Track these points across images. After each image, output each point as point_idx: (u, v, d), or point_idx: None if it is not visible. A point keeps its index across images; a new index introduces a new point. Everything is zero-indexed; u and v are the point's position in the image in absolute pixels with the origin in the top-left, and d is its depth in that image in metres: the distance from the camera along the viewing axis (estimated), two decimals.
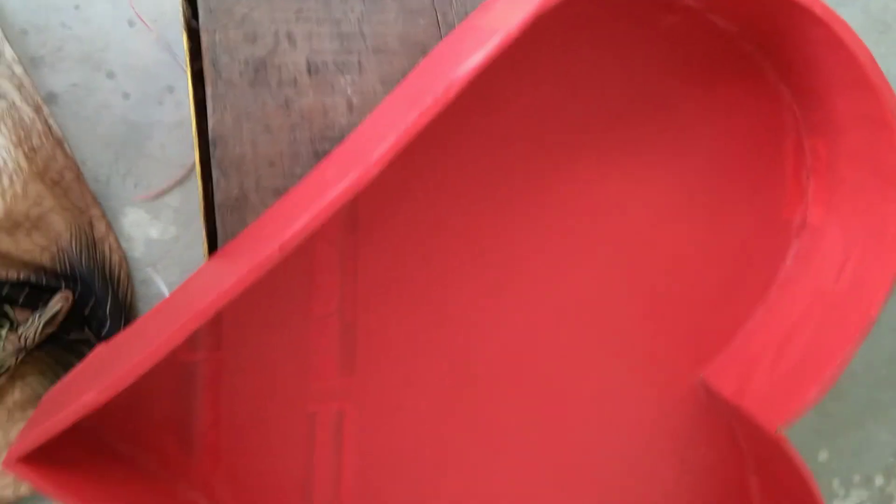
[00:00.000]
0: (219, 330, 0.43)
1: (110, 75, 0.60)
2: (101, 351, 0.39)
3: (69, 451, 0.35)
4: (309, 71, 0.41)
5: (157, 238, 0.64)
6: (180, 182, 0.63)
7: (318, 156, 0.42)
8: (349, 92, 0.42)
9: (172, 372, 0.43)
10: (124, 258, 0.64)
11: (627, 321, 0.47)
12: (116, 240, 0.63)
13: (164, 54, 0.61)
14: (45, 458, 0.33)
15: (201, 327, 0.42)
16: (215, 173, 0.41)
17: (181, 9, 0.39)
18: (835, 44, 0.38)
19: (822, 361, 0.41)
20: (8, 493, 0.67)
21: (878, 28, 0.74)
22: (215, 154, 0.41)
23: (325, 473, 0.43)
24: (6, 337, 0.60)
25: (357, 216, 0.42)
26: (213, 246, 0.42)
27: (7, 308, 0.60)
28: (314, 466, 0.43)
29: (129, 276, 0.64)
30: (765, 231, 0.49)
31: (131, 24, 0.60)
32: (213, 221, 0.42)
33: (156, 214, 0.63)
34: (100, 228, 0.63)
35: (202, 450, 0.42)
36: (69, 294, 0.60)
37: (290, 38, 0.40)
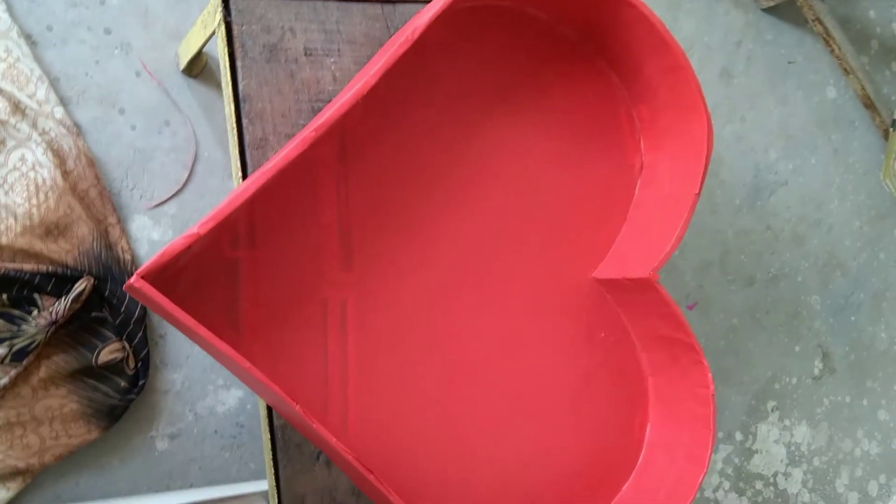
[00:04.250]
0: (253, 232, 0.58)
1: (122, 112, 0.78)
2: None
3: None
4: (305, 54, 0.61)
5: (158, 240, 0.78)
6: (176, 195, 0.79)
7: (315, 111, 0.61)
8: (333, 69, 0.62)
9: (222, 267, 0.58)
10: (134, 256, 0.78)
11: (534, 240, 0.67)
12: (128, 241, 0.77)
13: (162, 96, 0.79)
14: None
15: (240, 230, 0.57)
16: (244, 122, 0.59)
17: (219, 9, 0.58)
18: (639, 19, 0.62)
19: (667, 231, 0.63)
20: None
21: None
22: (244, 108, 0.59)
23: (336, 349, 0.59)
24: (37, 316, 0.72)
25: (345, 149, 0.61)
26: (245, 177, 0.59)
27: (36, 296, 0.73)
28: (328, 344, 0.59)
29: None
30: (618, 172, 0.71)
31: (138, 74, 0.78)
32: (244, 158, 0.59)
33: (157, 220, 0.79)
34: (114, 234, 0.77)
35: (246, 328, 0.56)
36: (91, 278, 0.74)
37: (292, 31, 0.61)
